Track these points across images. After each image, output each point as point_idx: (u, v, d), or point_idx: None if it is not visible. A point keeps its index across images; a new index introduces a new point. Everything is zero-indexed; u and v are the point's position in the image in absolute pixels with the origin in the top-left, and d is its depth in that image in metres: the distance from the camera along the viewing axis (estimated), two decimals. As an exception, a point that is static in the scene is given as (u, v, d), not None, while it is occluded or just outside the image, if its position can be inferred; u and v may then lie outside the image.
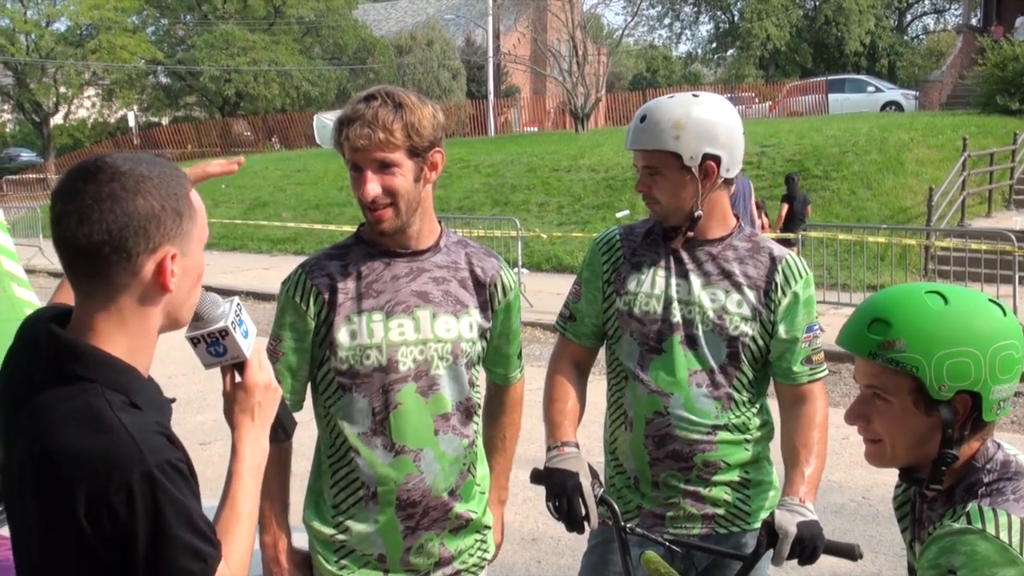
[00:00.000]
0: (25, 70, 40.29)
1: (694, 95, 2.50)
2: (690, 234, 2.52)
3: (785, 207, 12.84)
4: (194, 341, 1.70)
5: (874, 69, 43.56)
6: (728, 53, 49.57)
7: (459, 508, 2.36)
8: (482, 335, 2.38)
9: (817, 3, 45.34)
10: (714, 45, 50.46)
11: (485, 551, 2.48)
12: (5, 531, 3.05)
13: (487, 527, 2.48)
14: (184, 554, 1.49)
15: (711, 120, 2.44)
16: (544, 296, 12.04)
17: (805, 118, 25.76)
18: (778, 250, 2.59)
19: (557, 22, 30.92)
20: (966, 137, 15.15)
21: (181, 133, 40.91)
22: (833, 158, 16.81)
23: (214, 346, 1.69)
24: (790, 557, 2.29)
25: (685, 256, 2.54)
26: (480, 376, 2.47)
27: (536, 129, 37.15)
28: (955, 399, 1.63)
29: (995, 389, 1.62)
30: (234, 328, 1.69)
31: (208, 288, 1.73)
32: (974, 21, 28.88)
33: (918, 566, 1.66)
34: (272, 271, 16.81)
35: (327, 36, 43.17)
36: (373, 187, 2.18)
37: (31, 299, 4.23)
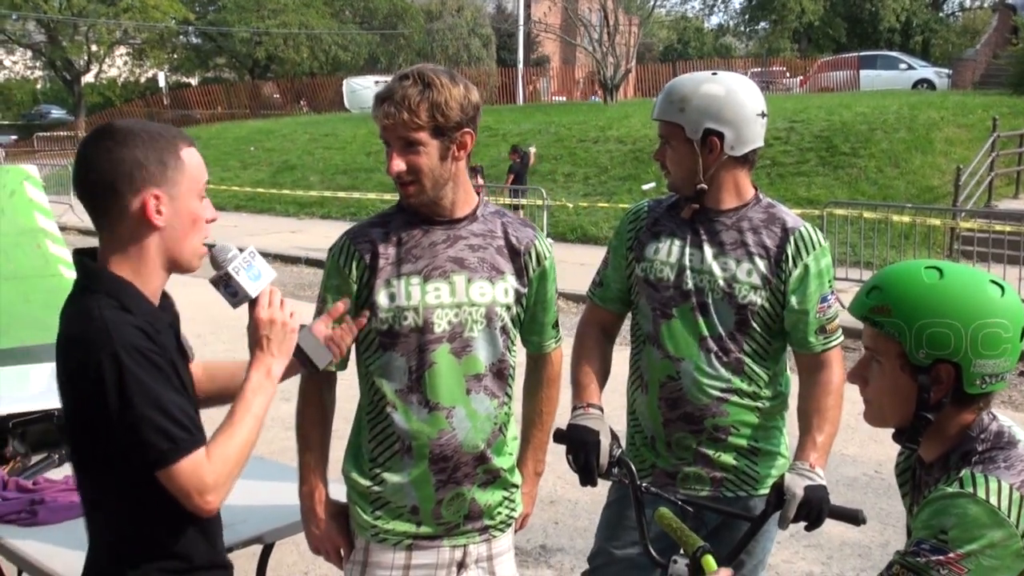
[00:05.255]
0: (57, 28, 40.53)
1: (713, 73, 2.63)
2: (695, 206, 2.65)
3: (511, 176, 15.30)
4: (214, 285, 1.98)
5: (908, 46, 42.92)
6: (761, 26, 49.00)
7: (489, 464, 2.48)
8: (518, 300, 2.49)
9: (853, -23, 44.71)
10: (747, 17, 49.89)
11: (512, 509, 2.59)
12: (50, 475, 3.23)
13: (515, 485, 2.59)
14: (150, 430, 1.77)
15: (718, 97, 2.55)
16: (568, 266, 12.08)
17: (835, 94, 25.52)
18: (792, 221, 2.66)
19: (588, -9, 30.75)
20: (996, 117, 15.00)
21: (210, 94, 41.05)
22: (861, 135, 16.73)
23: (227, 288, 1.96)
24: (796, 520, 2.39)
25: (701, 227, 2.66)
26: (518, 341, 2.58)
27: (564, 99, 37.04)
28: (937, 367, 1.74)
29: (977, 363, 1.72)
30: (236, 272, 1.95)
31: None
32: (1011, -1, 28.48)
33: (913, 527, 1.78)
34: (299, 235, 16.98)
35: (358, 0, 43.09)
36: (397, 164, 2.32)
37: (64, 255, 4.33)
